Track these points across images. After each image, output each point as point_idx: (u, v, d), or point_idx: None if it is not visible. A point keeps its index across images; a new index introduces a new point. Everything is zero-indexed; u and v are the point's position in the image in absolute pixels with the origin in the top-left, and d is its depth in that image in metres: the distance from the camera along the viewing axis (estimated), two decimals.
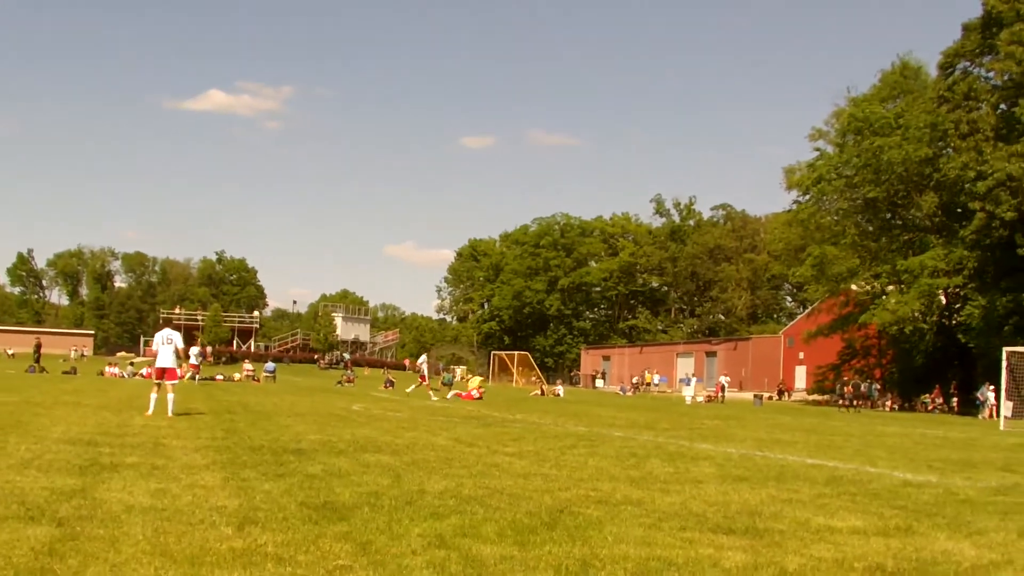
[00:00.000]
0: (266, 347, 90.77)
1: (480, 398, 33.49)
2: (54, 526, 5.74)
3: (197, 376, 38.59)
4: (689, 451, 13.69)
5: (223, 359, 74.32)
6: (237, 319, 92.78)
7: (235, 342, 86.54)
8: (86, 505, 6.56)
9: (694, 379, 56.87)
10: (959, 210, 47.58)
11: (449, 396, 34.04)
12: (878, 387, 50.30)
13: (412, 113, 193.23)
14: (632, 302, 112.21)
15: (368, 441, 12.97)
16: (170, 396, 16.20)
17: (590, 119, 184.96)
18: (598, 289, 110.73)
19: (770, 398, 56.11)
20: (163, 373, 16.43)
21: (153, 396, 16.40)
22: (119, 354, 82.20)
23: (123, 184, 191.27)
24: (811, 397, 58.46)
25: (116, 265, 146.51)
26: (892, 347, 54.01)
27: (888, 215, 52.68)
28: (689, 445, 14.96)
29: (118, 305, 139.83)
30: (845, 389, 45.89)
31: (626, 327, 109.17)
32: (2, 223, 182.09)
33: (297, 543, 5.51)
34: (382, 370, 69.60)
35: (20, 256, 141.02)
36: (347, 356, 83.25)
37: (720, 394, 54.10)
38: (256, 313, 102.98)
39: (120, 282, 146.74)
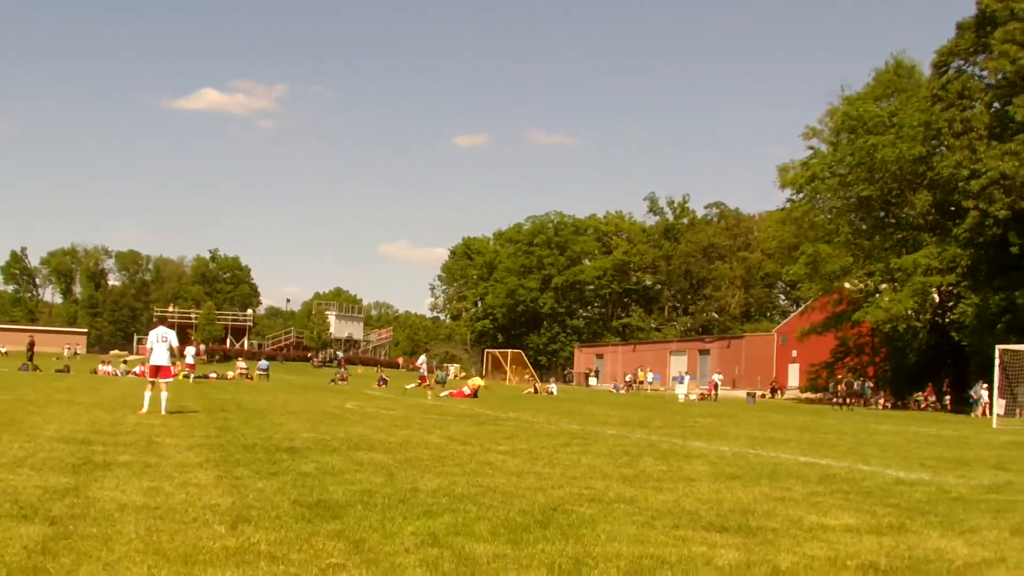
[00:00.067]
0: (259, 345, 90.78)
1: (474, 395, 33.47)
2: (47, 525, 5.73)
3: (192, 374, 38.56)
4: (682, 449, 13.70)
5: (217, 357, 74.23)
6: (231, 317, 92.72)
7: (228, 340, 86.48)
8: (79, 503, 6.54)
9: (687, 377, 56.94)
10: (952, 208, 47.64)
11: (442, 395, 34.05)
12: (871, 385, 50.37)
13: (406, 112, 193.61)
14: (625, 300, 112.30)
15: (361, 439, 12.97)
16: (164, 394, 16.22)
17: (584, 118, 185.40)
18: (591, 287, 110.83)
19: (763, 396, 56.17)
20: (158, 371, 16.44)
21: (147, 394, 16.38)
22: (112, 352, 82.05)
23: (117, 183, 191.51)
24: (804, 395, 58.50)
25: (110, 263, 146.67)
26: (885, 345, 54.11)
27: (882, 213, 52.72)
28: (682, 443, 14.97)
29: (111, 303, 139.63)
30: (838, 387, 45.96)
31: (619, 325, 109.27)
32: None
33: (290, 541, 5.50)
34: (376, 368, 69.57)
35: (13, 254, 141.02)
36: (340, 354, 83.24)
37: (713, 392, 54.17)
38: (250, 311, 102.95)
39: (113, 280, 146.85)
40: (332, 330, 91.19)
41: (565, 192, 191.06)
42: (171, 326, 18.24)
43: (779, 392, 61.44)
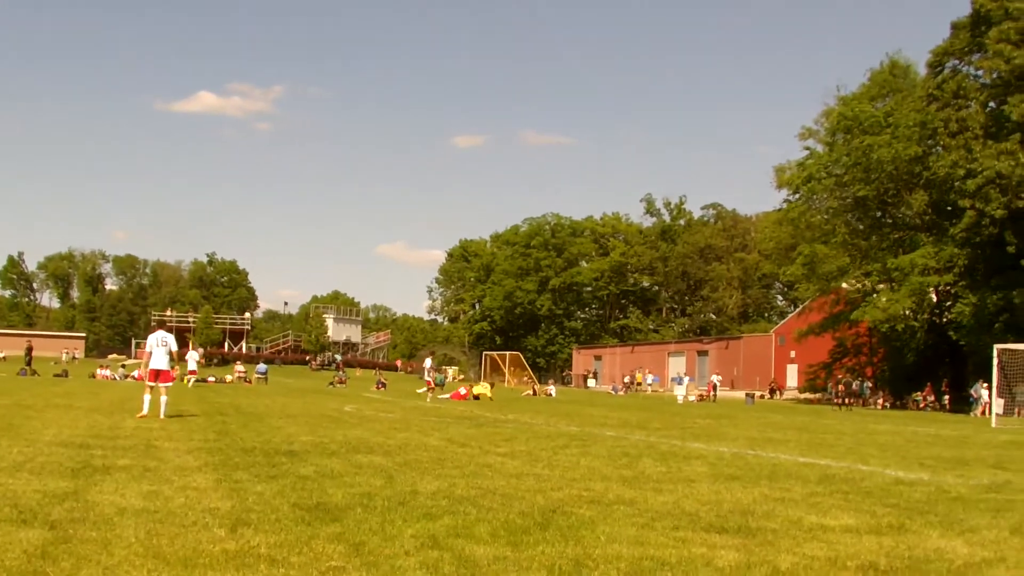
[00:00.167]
0: (257, 348, 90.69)
1: (476, 398, 33.42)
2: (46, 529, 5.72)
3: (192, 379, 38.42)
4: (681, 450, 13.71)
5: (215, 361, 74.18)
6: (228, 321, 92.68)
7: (226, 344, 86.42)
8: (78, 508, 6.54)
9: (686, 378, 57.00)
10: (949, 208, 47.67)
11: (441, 397, 34.06)
12: (870, 385, 50.37)
13: (403, 113, 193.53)
14: (623, 302, 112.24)
15: (360, 442, 12.96)
16: (163, 398, 16.24)
17: (581, 119, 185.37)
18: (589, 289, 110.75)
19: (762, 397, 56.17)
20: (157, 375, 16.45)
21: (147, 397, 16.37)
22: (110, 356, 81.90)
23: (113, 186, 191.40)
24: (803, 396, 58.54)
25: (107, 268, 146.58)
26: (883, 345, 54.13)
27: (878, 213, 52.76)
28: (681, 444, 14.97)
29: (109, 308, 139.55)
30: (838, 388, 45.96)
31: (617, 327, 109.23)
32: None
33: (290, 544, 5.50)
34: (374, 371, 69.53)
35: (11, 259, 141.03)
36: (339, 357, 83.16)
37: (712, 393, 54.19)
38: (247, 315, 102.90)
39: (111, 284, 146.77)
40: (330, 333, 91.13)
41: (562, 193, 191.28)
42: (169, 330, 18.28)
43: (778, 393, 61.44)
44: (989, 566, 5.78)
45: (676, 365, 76.21)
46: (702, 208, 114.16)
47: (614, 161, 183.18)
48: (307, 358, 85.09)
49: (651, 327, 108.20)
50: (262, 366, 52.65)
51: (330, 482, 8.40)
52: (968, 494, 9.41)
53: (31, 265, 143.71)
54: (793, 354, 66.66)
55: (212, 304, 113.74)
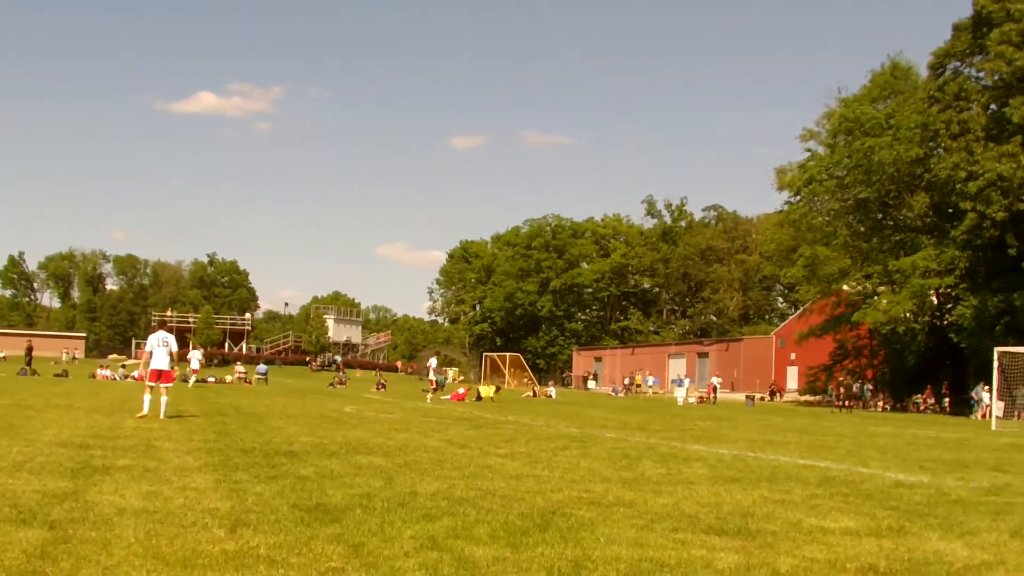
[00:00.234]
0: (258, 349, 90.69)
1: (479, 399, 33.37)
2: (46, 529, 5.72)
3: (193, 379, 38.47)
4: (681, 452, 13.70)
5: (215, 361, 74.18)
6: (229, 321, 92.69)
7: (227, 344, 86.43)
8: (78, 508, 6.54)
9: (686, 380, 56.96)
10: (950, 210, 47.62)
11: (442, 397, 34.05)
12: (870, 387, 50.37)
13: (403, 113, 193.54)
14: (624, 303, 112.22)
15: (360, 443, 12.96)
16: (164, 399, 16.25)
17: (581, 119, 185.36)
18: (590, 290, 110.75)
19: (762, 399, 56.15)
20: (159, 375, 16.47)
21: (147, 397, 16.38)
22: (111, 357, 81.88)
23: (113, 186, 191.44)
24: (803, 398, 58.49)
25: (107, 268, 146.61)
26: (884, 347, 54.10)
27: (879, 215, 52.72)
28: (681, 446, 14.97)
29: (109, 308, 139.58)
30: (839, 390, 45.92)
31: (618, 328, 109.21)
32: None
33: (289, 545, 5.50)
34: (374, 372, 69.56)
35: (11, 259, 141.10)
36: (339, 358, 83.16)
37: (712, 395, 54.12)
38: (247, 315, 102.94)
39: (111, 285, 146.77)
40: (330, 334, 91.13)
41: (563, 193, 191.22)
42: (170, 330, 18.30)
43: (778, 395, 61.41)
44: (989, 569, 5.78)
45: (676, 367, 76.19)
46: (703, 209, 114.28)
47: (614, 161, 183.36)
48: (307, 359, 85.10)
49: (651, 329, 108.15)
50: (262, 367, 52.64)
51: (330, 483, 8.40)
52: (968, 497, 9.40)
53: (31, 265, 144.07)
54: (793, 356, 66.62)
55: (212, 304, 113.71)
